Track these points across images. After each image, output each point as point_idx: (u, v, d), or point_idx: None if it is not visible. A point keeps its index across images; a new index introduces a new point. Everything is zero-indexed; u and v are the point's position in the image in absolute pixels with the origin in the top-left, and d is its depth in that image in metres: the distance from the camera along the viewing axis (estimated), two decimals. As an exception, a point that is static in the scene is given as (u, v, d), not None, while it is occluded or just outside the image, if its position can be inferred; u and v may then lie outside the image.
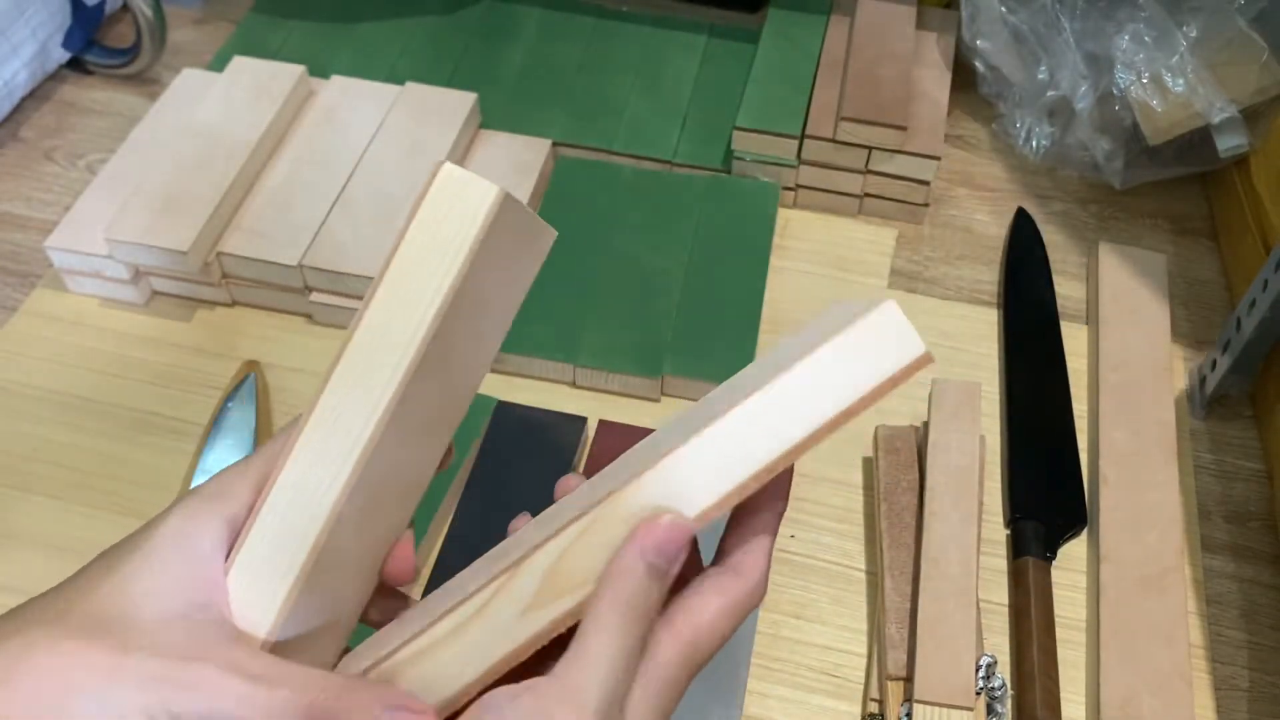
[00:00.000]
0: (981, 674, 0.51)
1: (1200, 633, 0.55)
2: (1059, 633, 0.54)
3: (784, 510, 0.34)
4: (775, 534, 0.34)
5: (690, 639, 0.31)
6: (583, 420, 0.60)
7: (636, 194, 0.71)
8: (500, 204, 0.32)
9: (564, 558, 0.31)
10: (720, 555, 0.34)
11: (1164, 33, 0.68)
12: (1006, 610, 0.56)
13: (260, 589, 0.31)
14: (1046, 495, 0.59)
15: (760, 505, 0.33)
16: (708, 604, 0.32)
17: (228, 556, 0.32)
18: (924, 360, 0.31)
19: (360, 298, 0.64)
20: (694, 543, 0.34)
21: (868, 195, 0.73)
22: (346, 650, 0.35)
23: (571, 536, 0.31)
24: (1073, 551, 0.58)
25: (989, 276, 0.71)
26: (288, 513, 0.32)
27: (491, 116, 0.75)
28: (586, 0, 0.84)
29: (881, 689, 0.51)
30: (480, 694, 0.30)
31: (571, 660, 0.29)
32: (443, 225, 0.32)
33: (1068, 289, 0.70)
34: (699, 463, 0.30)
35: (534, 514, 0.37)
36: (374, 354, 0.32)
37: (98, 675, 0.28)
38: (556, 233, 0.39)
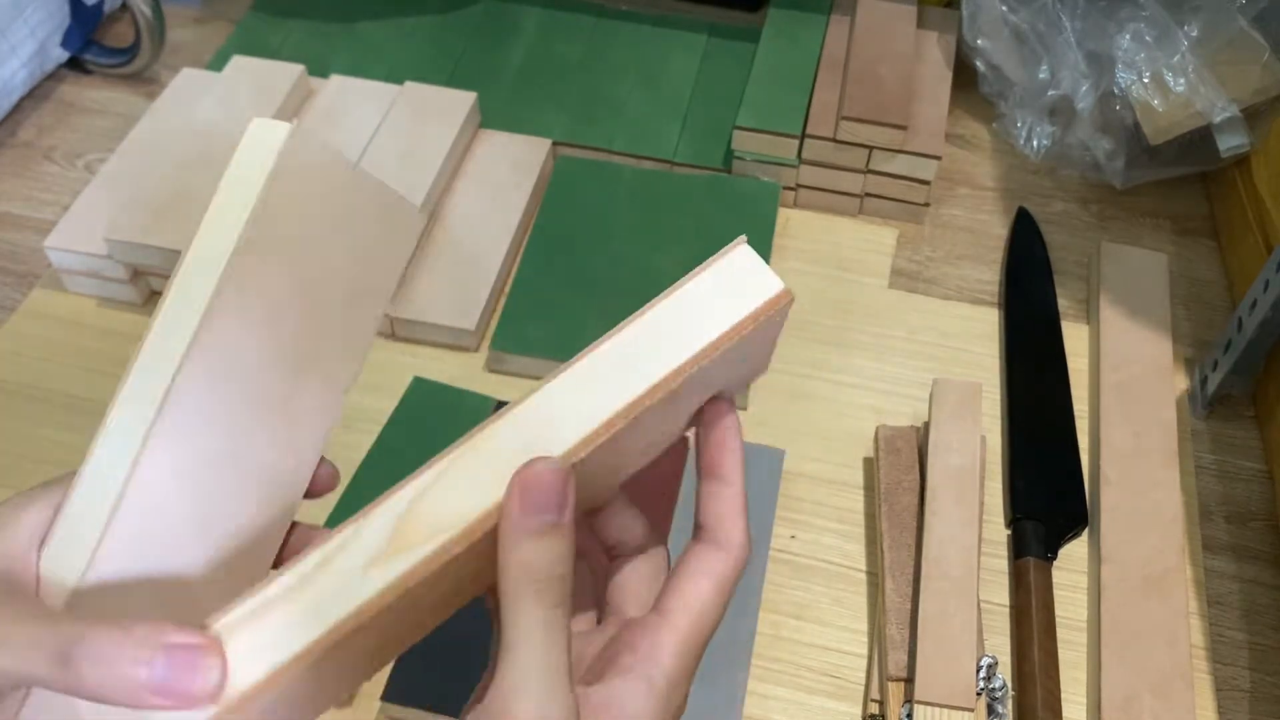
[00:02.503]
0: (982, 674, 0.51)
1: (1201, 633, 0.55)
2: (1060, 633, 0.54)
3: (742, 461, 0.33)
4: (744, 492, 0.33)
5: (689, 629, 0.31)
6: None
7: (636, 194, 0.71)
8: (292, 137, 0.32)
9: (419, 502, 0.28)
10: (697, 529, 0.33)
11: (1165, 32, 0.68)
12: (1007, 611, 0.55)
13: (67, 558, 0.30)
14: (1047, 495, 0.59)
15: (720, 467, 0.33)
16: (699, 588, 0.32)
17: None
18: (783, 296, 0.31)
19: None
20: (625, 500, 0.35)
21: (868, 195, 0.72)
22: None
23: (428, 481, 0.28)
24: (1073, 552, 0.58)
25: (990, 276, 0.70)
26: (91, 483, 0.31)
27: (491, 116, 0.75)
28: (586, 0, 0.84)
29: (882, 690, 0.51)
30: None
31: (502, 661, 0.28)
32: (241, 170, 0.32)
33: (1068, 289, 0.69)
34: (562, 402, 0.29)
35: None
36: (173, 315, 0.31)
37: None
38: (417, 208, 0.38)
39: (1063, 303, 0.68)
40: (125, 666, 0.25)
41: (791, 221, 0.73)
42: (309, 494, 0.35)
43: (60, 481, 0.31)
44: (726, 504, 0.33)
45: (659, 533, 0.36)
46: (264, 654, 0.27)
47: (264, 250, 0.31)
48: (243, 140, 0.32)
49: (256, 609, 0.27)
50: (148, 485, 0.31)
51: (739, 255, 0.32)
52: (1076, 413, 0.63)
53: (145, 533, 0.31)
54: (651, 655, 0.31)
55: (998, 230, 0.73)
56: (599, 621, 0.35)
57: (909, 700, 0.50)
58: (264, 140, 0.32)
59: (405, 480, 0.28)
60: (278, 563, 0.35)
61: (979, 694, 0.51)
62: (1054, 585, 0.56)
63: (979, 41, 0.74)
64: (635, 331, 0.31)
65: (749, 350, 0.33)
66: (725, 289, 0.31)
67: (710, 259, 0.32)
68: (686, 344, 0.31)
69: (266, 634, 0.27)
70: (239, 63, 0.72)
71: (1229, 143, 0.67)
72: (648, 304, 0.31)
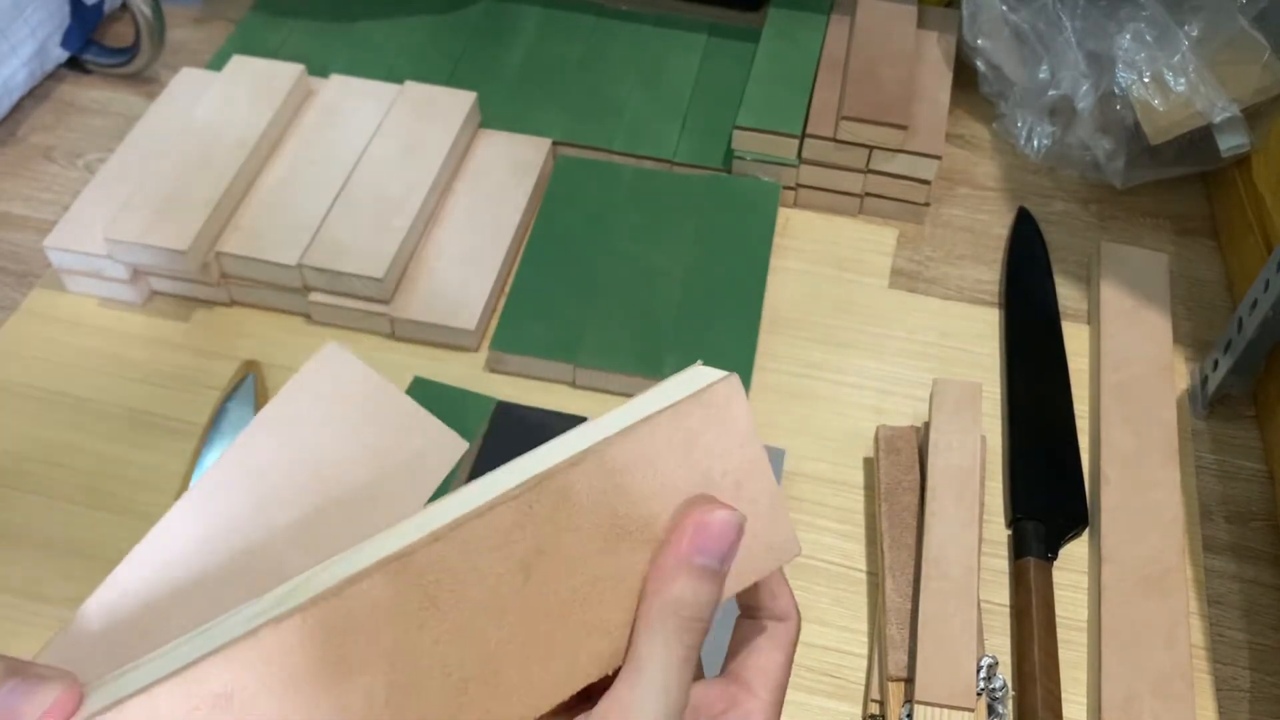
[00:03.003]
0: (982, 675, 0.51)
1: (1201, 633, 0.55)
2: (1060, 633, 0.54)
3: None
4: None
5: (772, 703, 0.32)
6: (583, 420, 0.60)
7: (636, 194, 0.71)
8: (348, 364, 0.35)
9: (313, 579, 0.28)
10: (751, 608, 0.34)
11: (1165, 32, 0.68)
12: (1007, 611, 0.55)
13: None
14: (1047, 495, 0.59)
15: None
16: (775, 661, 0.33)
17: None
18: (730, 383, 0.31)
19: (360, 297, 0.64)
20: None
21: (868, 195, 0.72)
22: None
23: (317, 570, 0.28)
24: (1074, 552, 0.58)
25: (990, 276, 0.70)
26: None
27: (491, 116, 0.75)
28: (586, 0, 0.84)
29: (882, 690, 0.51)
30: None
31: (625, 676, 0.28)
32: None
33: (1068, 289, 0.69)
34: (481, 491, 0.30)
35: None
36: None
37: None
38: (464, 444, 0.39)
39: (1063, 303, 0.68)
40: None
41: (791, 221, 0.73)
42: None
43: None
44: (776, 582, 0.34)
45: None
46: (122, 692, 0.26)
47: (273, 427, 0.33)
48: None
49: (137, 664, 0.28)
50: None
51: (691, 370, 0.31)
52: (1076, 413, 0.63)
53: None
54: None
55: (998, 230, 0.73)
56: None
57: (909, 700, 0.50)
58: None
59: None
60: None
61: (979, 694, 0.51)
62: (1054, 585, 0.56)
63: (979, 41, 0.74)
64: (568, 439, 0.30)
65: (723, 468, 0.31)
66: (666, 392, 0.31)
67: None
68: (612, 427, 0.30)
69: (131, 679, 0.27)
70: (239, 62, 0.72)
71: (1229, 142, 0.67)
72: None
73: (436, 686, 0.28)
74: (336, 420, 0.37)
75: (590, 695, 0.30)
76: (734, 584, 0.32)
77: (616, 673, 0.29)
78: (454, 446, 0.40)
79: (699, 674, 0.34)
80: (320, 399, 0.38)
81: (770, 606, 0.33)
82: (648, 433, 0.30)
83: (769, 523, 0.32)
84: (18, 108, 0.78)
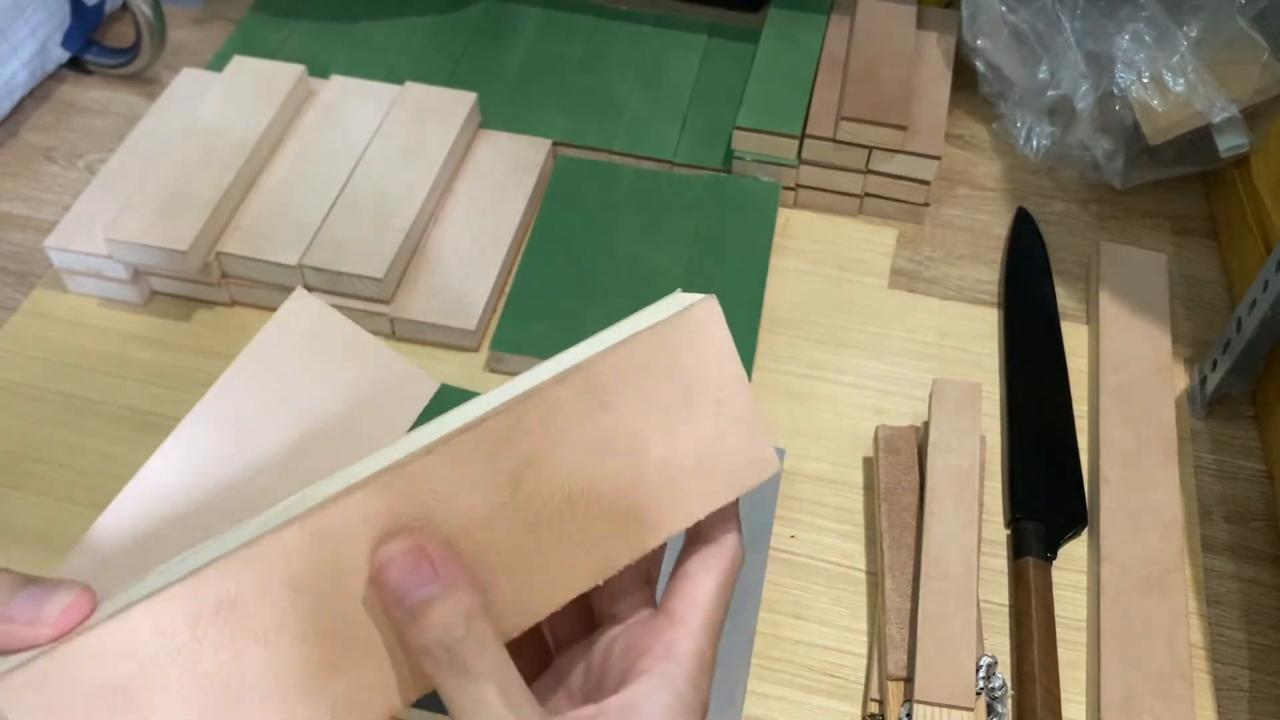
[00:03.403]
0: (982, 674, 0.51)
1: (1201, 633, 0.55)
2: (1059, 633, 0.54)
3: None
4: (735, 500, 0.34)
5: (700, 627, 0.32)
6: (583, 420, 0.60)
7: (636, 194, 0.71)
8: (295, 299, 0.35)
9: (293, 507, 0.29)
10: (690, 534, 0.34)
11: (1164, 32, 0.68)
12: (1007, 610, 0.55)
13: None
14: (1047, 495, 0.59)
15: None
16: (704, 585, 0.32)
17: None
18: (707, 305, 0.32)
19: (360, 298, 0.64)
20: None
21: (868, 195, 0.72)
22: None
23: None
24: (1073, 552, 0.58)
25: (989, 276, 0.70)
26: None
27: (491, 116, 0.75)
28: (586, 0, 0.84)
29: (882, 689, 0.51)
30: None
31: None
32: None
33: (1068, 289, 0.69)
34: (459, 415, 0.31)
35: None
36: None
37: None
38: (436, 385, 0.40)
39: (1062, 303, 0.68)
40: None
41: (791, 221, 0.73)
42: None
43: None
44: (718, 512, 0.33)
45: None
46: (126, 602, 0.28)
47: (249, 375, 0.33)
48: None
49: (142, 579, 0.29)
50: None
51: (672, 297, 0.32)
52: (1076, 412, 0.63)
53: None
54: (668, 654, 0.31)
55: (997, 230, 0.73)
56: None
57: (909, 700, 0.50)
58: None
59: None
60: None
61: (979, 693, 0.51)
62: (1054, 585, 0.56)
63: (979, 42, 0.74)
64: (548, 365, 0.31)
65: (696, 384, 0.32)
66: (649, 316, 0.32)
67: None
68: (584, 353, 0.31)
69: (137, 589, 0.28)
70: (239, 63, 0.72)
71: (1228, 143, 0.68)
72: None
73: None
74: (311, 363, 0.38)
75: (589, 615, 0.30)
76: (716, 499, 0.33)
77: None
78: (425, 386, 0.41)
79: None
80: (294, 344, 0.38)
81: (709, 531, 0.33)
82: (630, 351, 0.30)
83: (749, 439, 0.33)
84: (18, 108, 0.78)
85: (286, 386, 0.38)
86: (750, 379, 0.63)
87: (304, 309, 0.40)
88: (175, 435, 0.39)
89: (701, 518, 0.32)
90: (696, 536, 0.33)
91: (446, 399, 0.61)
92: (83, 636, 0.27)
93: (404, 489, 0.28)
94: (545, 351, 0.63)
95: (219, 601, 0.27)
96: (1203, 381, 0.64)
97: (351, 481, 0.28)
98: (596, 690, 0.32)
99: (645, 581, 0.35)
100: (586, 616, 0.36)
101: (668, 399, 0.31)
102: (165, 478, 0.38)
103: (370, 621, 0.28)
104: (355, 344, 0.40)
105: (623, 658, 0.32)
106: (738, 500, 0.34)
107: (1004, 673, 0.53)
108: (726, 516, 0.33)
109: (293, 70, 0.72)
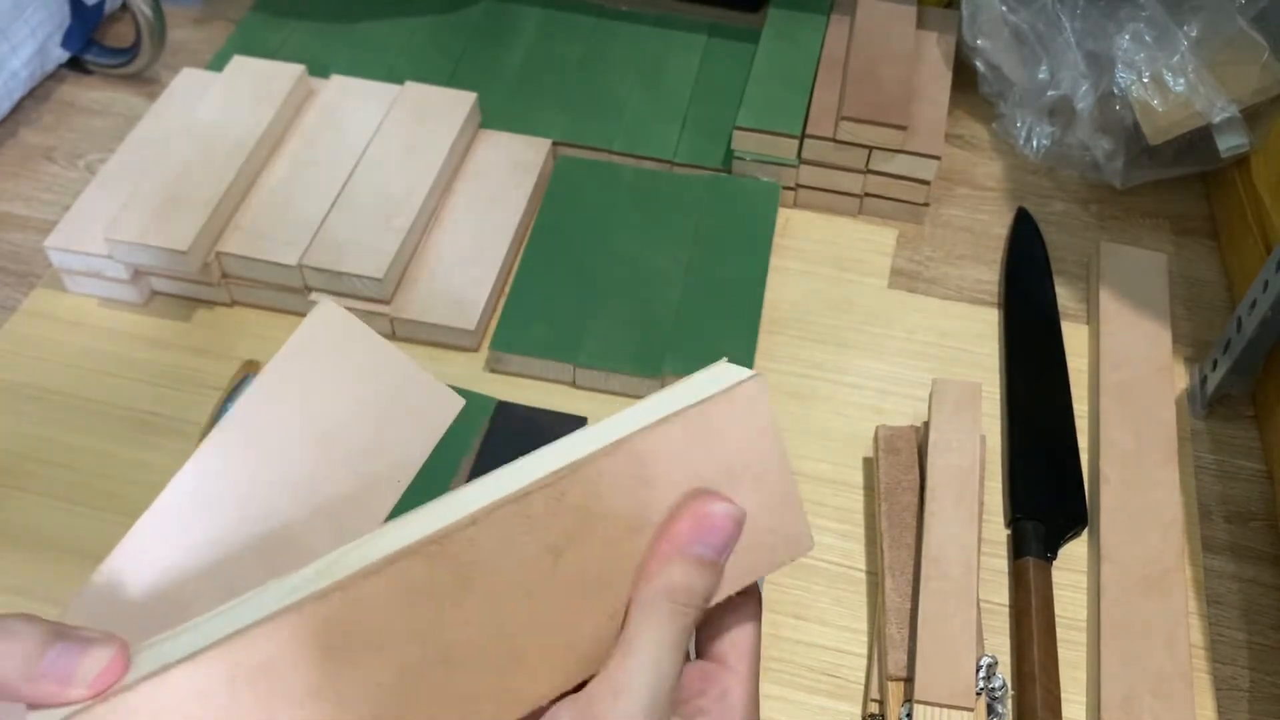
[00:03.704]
0: (982, 674, 0.51)
1: (1201, 633, 0.55)
2: (1059, 633, 0.54)
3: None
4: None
5: (749, 675, 0.32)
6: (583, 420, 0.60)
7: (636, 194, 0.71)
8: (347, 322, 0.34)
9: (344, 557, 0.29)
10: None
11: (1164, 32, 0.68)
12: (1007, 610, 0.55)
13: None
14: (1047, 495, 0.59)
15: None
16: (746, 633, 0.33)
17: None
18: (756, 384, 0.31)
19: (360, 298, 0.64)
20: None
21: (868, 195, 0.72)
22: None
23: (349, 546, 0.29)
24: (1073, 551, 0.58)
25: (989, 276, 0.70)
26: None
27: (491, 116, 0.75)
28: (586, 0, 0.84)
29: (882, 689, 0.51)
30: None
31: (617, 656, 0.29)
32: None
33: (1068, 289, 0.69)
34: (492, 488, 0.30)
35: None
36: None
37: None
38: (459, 399, 0.39)
39: (1062, 303, 0.68)
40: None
41: (791, 221, 0.73)
42: None
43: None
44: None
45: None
46: (164, 660, 0.27)
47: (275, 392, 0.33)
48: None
49: (176, 633, 0.28)
50: None
51: (717, 367, 0.32)
52: (1076, 412, 0.63)
53: None
54: (724, 698, 0.32)
55: (997, 230, 0.73)
56: None
57: (909, 700, 0.50)
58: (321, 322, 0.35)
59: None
60: None
61: (979, 693, 0.51)
62: (1054, 585, 0.56)
63: (979, 42, 0.74)
64: (580, 437, 0.31)
65: (741, 463, 0.32)
66: (693, 388, 0.32)
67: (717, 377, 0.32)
68: (637, 423, 0.31)
69: (172, 646, 0.28)
70: (239, 63, 0.72)
71: (1228, 143, 0.68)
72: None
73: (464, 664, 0.29)
74: (335, 378, 0.38)
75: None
76: (747, 575, 0.33)
77: None
78: (451, 403, 0.41)
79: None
80: (318, 356, 0.38)
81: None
82: (677, 427, 0.31)
83: (785, 517, 0.33)
84: (18, 108, 0.78)
85: (310, 405, 0.38)
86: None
87: (328, 318, 0.39)
88: (196, 458, 0.39)
89: (733, 593, 0.33)
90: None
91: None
92: (119, 697, 0.26)
93: (446, 558, 0.28)
94: (545, 352, 0.63)
95: (257, 665, 0.27)
96: (1203, 381, 0.64)
97: (396, 546, 0.28)
98: None
99: None
100: None
101: (709, 475, 0.32)
102: (186, 505, 0.38)
103: (405, 685, 0.28)
104: (381, 357, 0.40)
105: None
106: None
107: (1004, 673, 0.53)
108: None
109: (293, 70, 0.72)
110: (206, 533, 0.37)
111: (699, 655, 0.34)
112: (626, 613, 0.30)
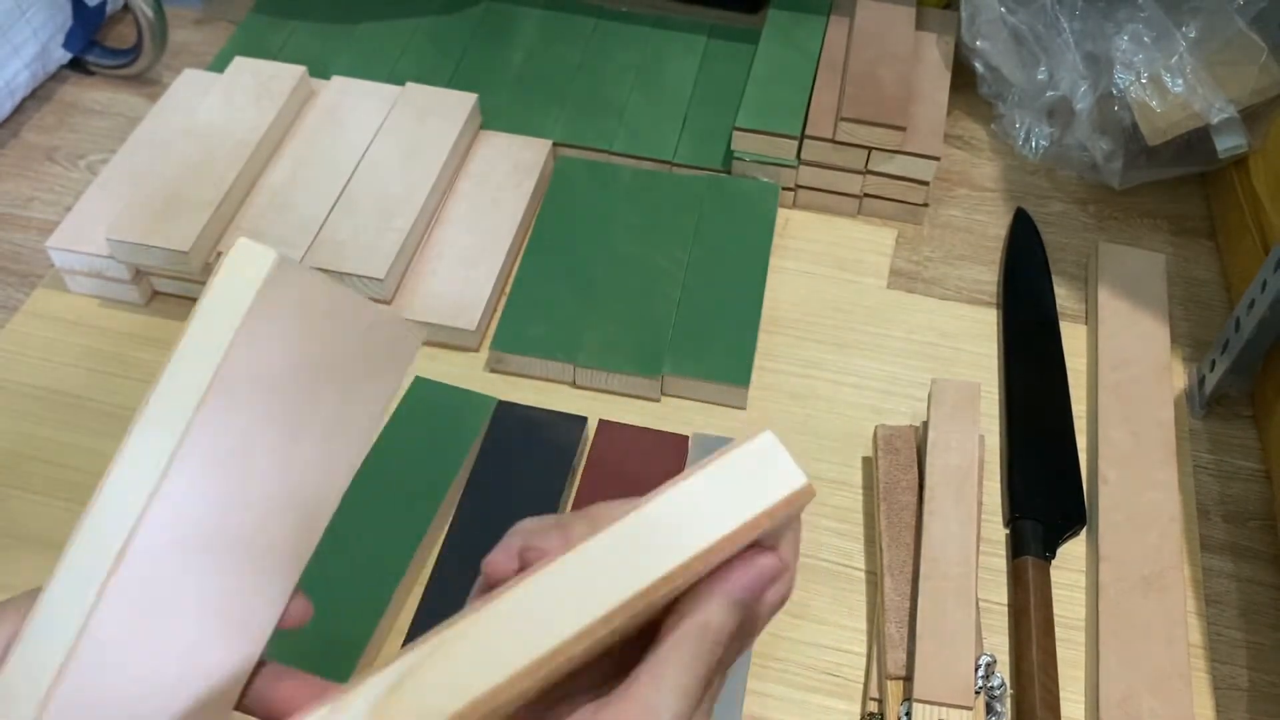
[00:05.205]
0: (981, 673, 0.51)
1: (1199, 632, 0.55)
2: (1058, 632, 0.54)
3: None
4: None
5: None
6: (583, 420, 0.60)
7: (636, 194, 0.71)
8: (277, 267, 0.31)
9: (400, 689, 0.28)
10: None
11: (1163, 33, 0.68)
12: (1006, 610, 0.56)
13: (17, 701, 0.29)
14: (1046, 495, 0.59)
15: None
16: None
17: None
18: (805, 493, 0.30)
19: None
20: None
21: (867, 195, 0.73)
22: None
23: (409, 665, 0.28)
24: (1072, 551, 0.58)
25: (989, 276, 0.71)
26: (48, 622, 0.30)
27: (492, 116, 0.75)
28: (586, 0, 0.85)
29: (881, 688, 0.52)
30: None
31: (647, 679, 0.29)
32: (223, 295, 0.31)
33: (1067, 289, 0.70)
34: (555, 594, 0.29)
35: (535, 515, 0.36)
36: (146, 445, 0.30)
37: None
38: (418, 331, 0.37)
39: (1061, 303, 0.69)
40: None
41: (791, 222, 0.73)
42: (280, 626, 0.35)
43: (17, 602, 0.31)
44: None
45: None
46: None
47: (235, 388, 0.31)
48: (223, 263, 0.31)
49: None
50: (103, 631, 0.30)
51: (761, 442, 0.30)
52: (1075, 412, 0.63)
53: (99, 681, 0.30)
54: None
55: (996, 231, 0.73)
56: None
57: (908, 699, 0.50)
58: (245, 268, 0.31)
59: (385, 665, 0.28)
60: (240, 703, 0.34)
61: (977, 692, 0.51)
62: (1052, 584, 0.56)
63: (978, 43, 0.74)
64: (637, 521, 0.29)
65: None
66: (742, 477, 0.30)
67: (729, 446, 0.31)
68: (694, 536, 0.29)
69: None
70: (240, 64, 0.73)
71: (1227, 143, 0.68)
72: (655, 490, 0.30)
73: None
74: (279, 342, 0.33)
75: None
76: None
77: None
78: (414, 335, 0.38)
79: None
80: (256, 318, 0.32)
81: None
82: (724, 542, 0.30)
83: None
84: (20, 109, 0.78)
85: (269, 394, 0.33)
86: (750, 379, 0.63)
87: (246, 262, 0.32)
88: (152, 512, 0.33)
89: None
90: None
91: (447, 398, 0.61)
92: None
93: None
94: (545, 351, 0.63)
95: None
96: (1201, 381, 0.64)
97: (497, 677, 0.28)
98: None
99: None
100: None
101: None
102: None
103: None
104: (322, 301, 0.34)
105: None
106: None
107: (1003, 672, 0.53)
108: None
109: (294, 71, 0.72)
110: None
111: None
112: (658, 641, 0.30)
